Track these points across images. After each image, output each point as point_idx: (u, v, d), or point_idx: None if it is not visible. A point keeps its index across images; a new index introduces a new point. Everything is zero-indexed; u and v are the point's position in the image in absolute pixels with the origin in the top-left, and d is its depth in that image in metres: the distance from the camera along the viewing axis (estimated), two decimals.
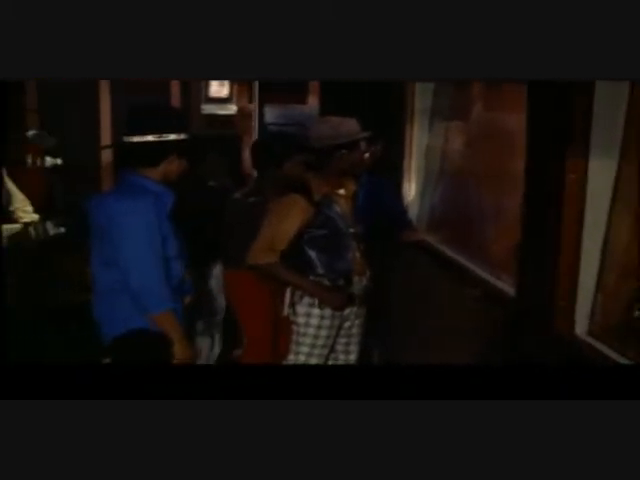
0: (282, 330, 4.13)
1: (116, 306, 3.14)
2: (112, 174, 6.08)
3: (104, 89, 6.24)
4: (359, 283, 3.77)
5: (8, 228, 4.44)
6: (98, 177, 5.74)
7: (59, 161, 5.57)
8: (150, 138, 3.12)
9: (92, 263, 3.21)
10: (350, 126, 3.64)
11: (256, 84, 6.15)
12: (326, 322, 3.71)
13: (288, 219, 3.63)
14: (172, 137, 3.12)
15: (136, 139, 3.14)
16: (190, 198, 4.43)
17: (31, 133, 5.56)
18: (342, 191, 3.74)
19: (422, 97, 5.06)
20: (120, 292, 3.09)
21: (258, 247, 3.66)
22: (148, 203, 3.07)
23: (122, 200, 3.10)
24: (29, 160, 5.47)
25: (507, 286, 3.47)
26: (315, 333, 3.72)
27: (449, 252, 4.34)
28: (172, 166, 3.18)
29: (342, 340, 3.86)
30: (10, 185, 4.69)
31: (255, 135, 6.23)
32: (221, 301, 4.85)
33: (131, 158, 3.22)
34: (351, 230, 3.73)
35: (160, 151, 3.14)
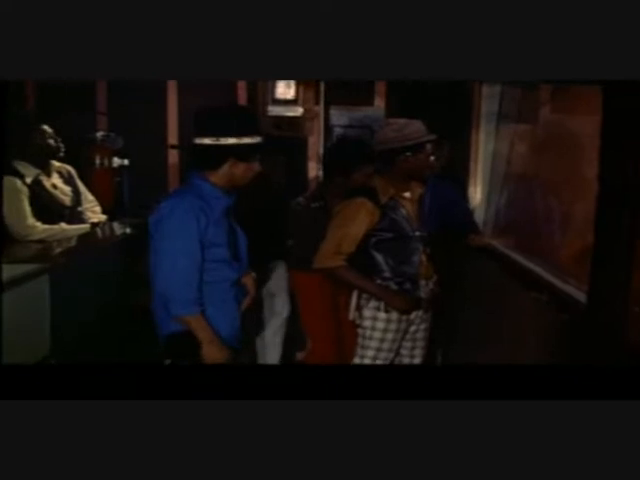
0: (346, 333, 4.13)
1: (162, 306, 3.16)
2: (179, 175, 6.16)
3: (172, 90, 6.29)
4: (425, 287, 3.74)
5: (77, 228, 4.51)
6: (165, 178, 5.79)
7: (126, 162, 5.63)
8: (207, 141, 3.13)
9: (150, 259, 3.23)
10: (415, 128, 3.61)
11: (322, 86, 6.13)
12: (392, 326, 3.69)
13: (355, 222, 3.62)
14: (230, 141, 3.11)
15: (197, 141, 3.16)
16: (253, 200, 4.47)
17: (100, 135, 5.64)
18: (408, 194, 3.72)
19: (489, 100, 5.01)
20: None
21: (325, 250, 3.65)
22: (192, 206, 3.08)
23: (168, 201, 3.13)
24: (97, 161, 5.54)
25: (576, 291, 3.41)
26: (381, 337, 3.70)
27: (515, 257, 4.29)
28: (236, 169, 3.17)
29: (407, 344, 3.84)
30: (80, 185, 4.76)
31: (321, 137, 6.21)
32: (285, 304, 4.85)
33: (193, 160, 3.25)
34: (417, 233, 3.71)
35: (218, 154, 3.15)
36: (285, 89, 5.99)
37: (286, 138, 5.92)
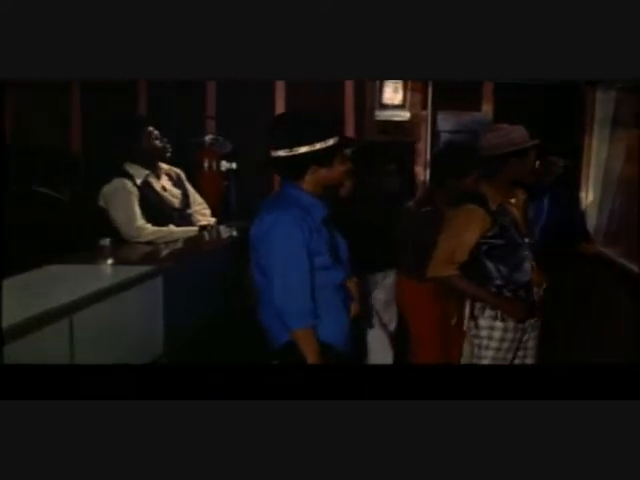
0: (454, 342, 4.07)
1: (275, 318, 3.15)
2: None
3: (279, 93, 6.34)
4: (537, 294, 3.67)
5: (185, 230, 4.58)
6: (271, 182, 5.82)
7: (234, 165, 5.69)
8: (282, 153, 3.09)
9: (253, 270, 3.24)
10: (520, 134, 3.56)
11: (430, 90, 6.09)
12: (509, 335, 3.64)
13: (468, 230, 3.58)
14: (303, 150, 3.06)
15: (273, 154, 3.13)
16: (359, 206, 4.46)
17: (208, 138, 5.71)
18: (513, 200, 3.66)
19: (603, 105, 4.89)
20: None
21: (439, 259, 3.62)
22: (296, 218, 3.06)
23: (270, 212, 3.10)
24: (206, 164, 5.62)
25: None
26: (497, 346, 3.64)
27: (628, 265, 4.17)
28: (319, 175, 3.14)
29: (519, 353, 3.76)
30: (189, 188, 4.82)
31: (428, 142, 6.17)
32: (391, 312, 4.82)
33: (276, 172, 3.22)
34: (526, 240, 3.64)
35: (296, 164, 3.11)
36: (393, 94, 5.96)
37: (393, 143, 5.89)
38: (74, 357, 2.88)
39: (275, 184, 6.09)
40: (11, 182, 4.81)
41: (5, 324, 2.54)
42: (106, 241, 3.72)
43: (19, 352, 2.55)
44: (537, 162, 3.66)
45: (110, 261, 3.67)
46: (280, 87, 6.34)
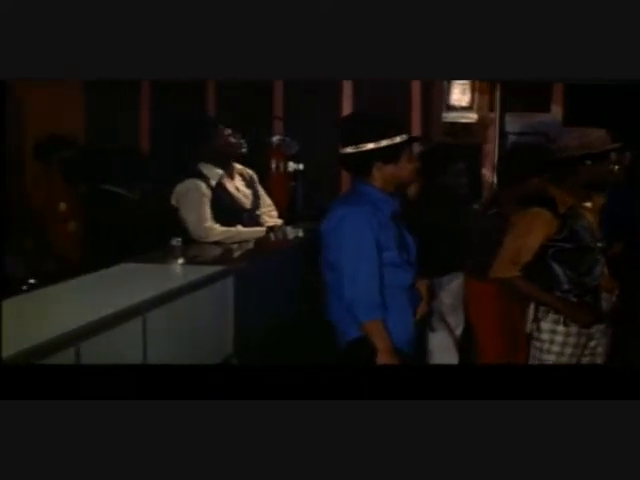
0: (519, 345, 4.04)
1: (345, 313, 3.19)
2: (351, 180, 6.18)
3: (346, 94, 6.34)
4: (608, 300, 3.61)
5: (253, 231, 4.61)
6: (338, 182, 5.83)
7: (301, 166, 5.70)
8: (350, 150, 3.18)
9: (322, 266, 3.29)
10: (599, 136, 3.51)
11: (498, 92, 6.05)
12: (571, 340, 3.58)
13: (533, 233, 3.55)
14: (369, 146, 3.14)
15: (342, 151, 3.22)
16: (427, 207, 4.45)
17: (276, 139, 5.73)
18: (589, 204, 3.61)
19: None
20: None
21: (502, 261, 3.59)
22: (365, 212, 3.12)
23: (341, 207, 3.20)
24: (273, 165, 5.64)
25: None
26: (559, 351, 3.60)
27: None
28: (386, 172, 3.18)
29: (586, 359, 3.71)
30: (260, 189, 4.86)
31: (495, 144, 6.12)
32: (459, 316, 4.79)
33: (345, 169, 3.37)
34: (598, 244, 3.59)
35: (362, 161, 3.18)
36: (460, 95, 5.92)
37: (461, 145, 5.85)
38: (146, 356, 2.93)
39: (342, 185, 6.13)
40: (83, 182, 4.92)
41: (81, 322, 2.59)
42: (177, 241, 3.78)
43: (94, 350, 2.59)
44: (616, 166, 3.60)
45: (181, 260, 3.73)
46: (347, 87, 6.34)
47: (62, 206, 5.23)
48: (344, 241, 3.11)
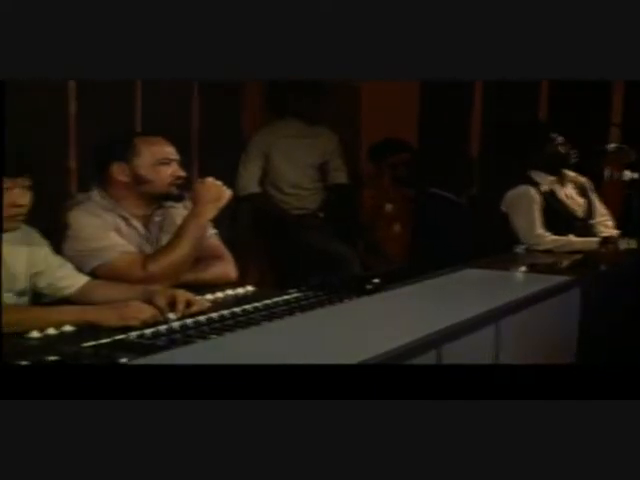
0: None
1: None
2: None
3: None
4: None
5: (584, 241, 4.50)
6: None
7: (637, 176, 5.47)
8: None
9: None
10: None
11: None
12: None
13: None
14: None
15: None
16: None
17: (612, 147, 5.54)
18: None
19: None
20: None
21: None
22: None
23: None
24: (607, 173, 5.46)
25: None
26: None
27: None
28: None
29: None
30: (594, 198, 4.76)
31: None
32: None
33: None
34: None
35: None
36: None
37: None
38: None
39: None
40: (413, 185, 5.05)
41: (440, 326, 2.59)
42: (521, 248, 4.00)
43: (450, 355, 2.57)
44: None
45: (523, 268, 3.77)
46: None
47: (389, 207, 5.39)
48: None
